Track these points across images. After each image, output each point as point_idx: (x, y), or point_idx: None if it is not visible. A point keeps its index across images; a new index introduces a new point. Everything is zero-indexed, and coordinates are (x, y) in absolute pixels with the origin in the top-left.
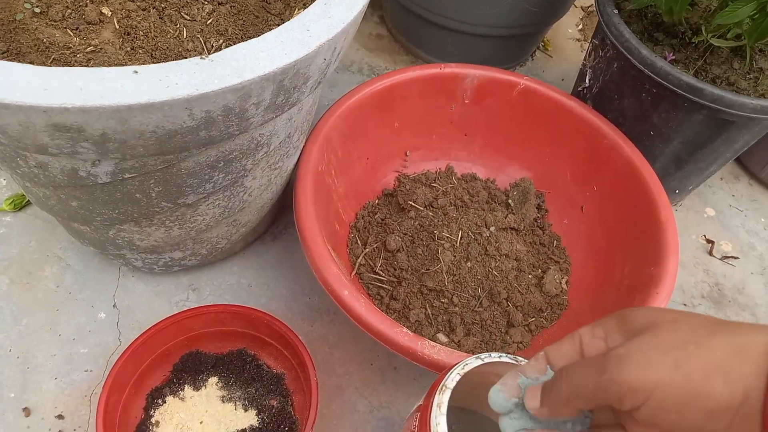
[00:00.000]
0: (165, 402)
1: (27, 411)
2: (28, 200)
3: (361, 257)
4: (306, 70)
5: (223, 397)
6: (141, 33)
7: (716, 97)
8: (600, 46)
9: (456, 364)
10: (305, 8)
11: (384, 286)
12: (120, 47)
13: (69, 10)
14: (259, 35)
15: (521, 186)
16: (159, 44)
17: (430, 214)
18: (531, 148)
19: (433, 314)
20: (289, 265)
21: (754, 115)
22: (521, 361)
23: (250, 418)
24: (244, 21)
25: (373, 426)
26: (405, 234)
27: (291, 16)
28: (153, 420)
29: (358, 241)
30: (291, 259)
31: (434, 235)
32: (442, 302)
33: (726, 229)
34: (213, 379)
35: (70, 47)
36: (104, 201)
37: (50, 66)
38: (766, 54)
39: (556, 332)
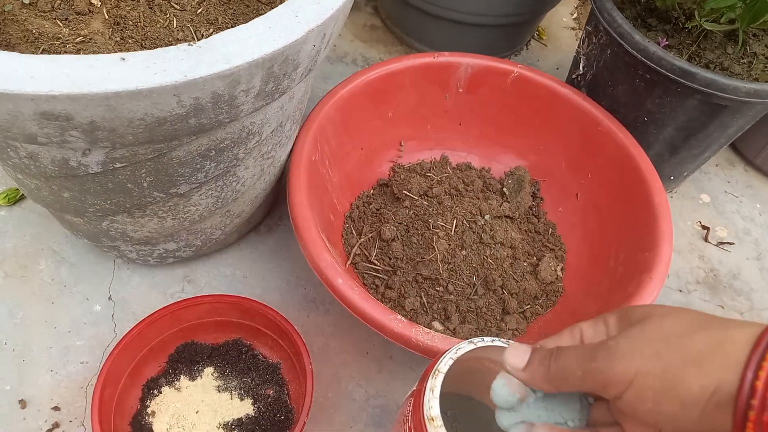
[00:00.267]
0: (161, 392)
1: (23, 403)
2: (23, 194)
3: (356, 247)
4: (295, 57)
5: (219, 386)
6: (131, 23)
7: (709, 81)
8: (593, 33)
9: (449, 348)
10: None
11: (379, 275)
12: (110, 37)
13: (58, 1)
14: None
15: (516, 174)
16: (149, 34)
17: (425, 203)
18: (526, 136)
19: (428, 302)
20: (284, 257)
21: (748, 99)
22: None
23: (246, 407)
24: (235, 10)
25: (369, 414)
26: (400, 223)
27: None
28: (149, 410)
29: (353, 231)
30: (286, 250)
31: (429, 224)
32: (437, 290)
33: (721, 215)
34: (209, 370)
35: (60, 38)
36: (96, 191)
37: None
38: (759, 38)
39: (551, 319)
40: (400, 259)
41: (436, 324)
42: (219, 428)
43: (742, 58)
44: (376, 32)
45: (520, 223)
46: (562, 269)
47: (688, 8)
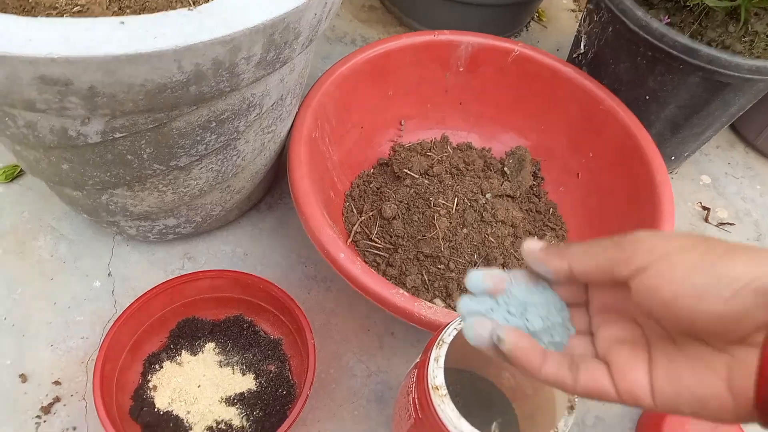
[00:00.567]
0: (162, 367)
1: (24, 377)
2: (20, 171)
3: (357, 225)
4: (296, 25)
5: (221, 361)
6: None
7: (712, 58)
8: (595, 11)
9: (453, 320)
10: None
11: (380, 253)
12: (107, 7)
13: None
14: None
15: (517, 154)
16: (147, 5)
17: (426, 181)
18: (526, 116)
19: (429, 280)
20: (284, 234)
21: (750, 76)
22: None
23: (248, 382)
24: None
25: (371, 390)
26: (401, 201)
27: None
28: (150, 384)
29: (354, 210)
30: (287, 228)
31: (430, 202)
32: (438, 268)
33: (722, 196)
34: (210, 345)
35: (57, 7)
36: (95, 163)
37: None
38: (761, 17)
39: None
40: (401, 237)
41: (438, 301)
42: (221, 402)
43: (744, 37)
44: (375, 12)
45: (521, 202)
46: None
47: None
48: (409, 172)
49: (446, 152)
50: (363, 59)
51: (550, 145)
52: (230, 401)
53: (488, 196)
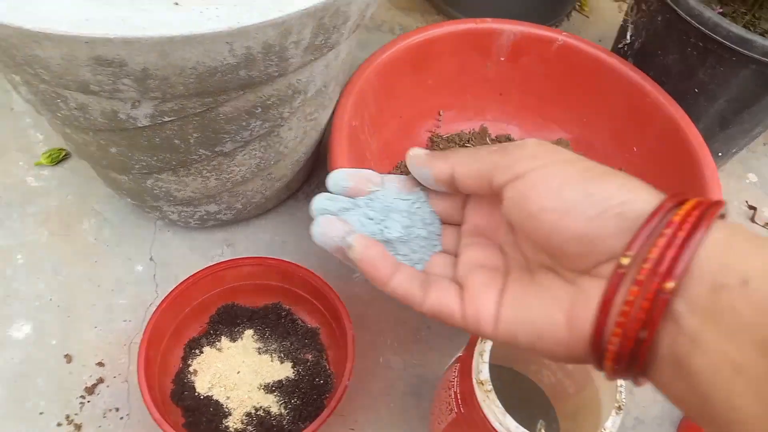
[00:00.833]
0: (202, 352)
1: (68, 357)
2: (65, 154)
3: None
4: (346, 9)
5: (260, 348)
6: None
7: (767, 49)
8: (644, 0)
9: None
10: None
11: None
12: None
13: None
14: None
15: None
16: None
17: None
18: (569, 107)
19: None
20: None
21: None
22: None
23: (287, 370)
24: None
25: (406, 383)
26: None
27: None
28: (191, 369)
29: None
30: None
31: None
32: None
33: None
34: (249, 332)
35: None
36: (143, 147)
37: None
38: None
39: None
40: None
41: None
42: (260, 389)
43: None
44: (413, 1)
45: None
46: None
47: None
48: None
49: (485, 144)
50: (404, 47)
51: (592, 139)
52: (269, 388)
53: None
